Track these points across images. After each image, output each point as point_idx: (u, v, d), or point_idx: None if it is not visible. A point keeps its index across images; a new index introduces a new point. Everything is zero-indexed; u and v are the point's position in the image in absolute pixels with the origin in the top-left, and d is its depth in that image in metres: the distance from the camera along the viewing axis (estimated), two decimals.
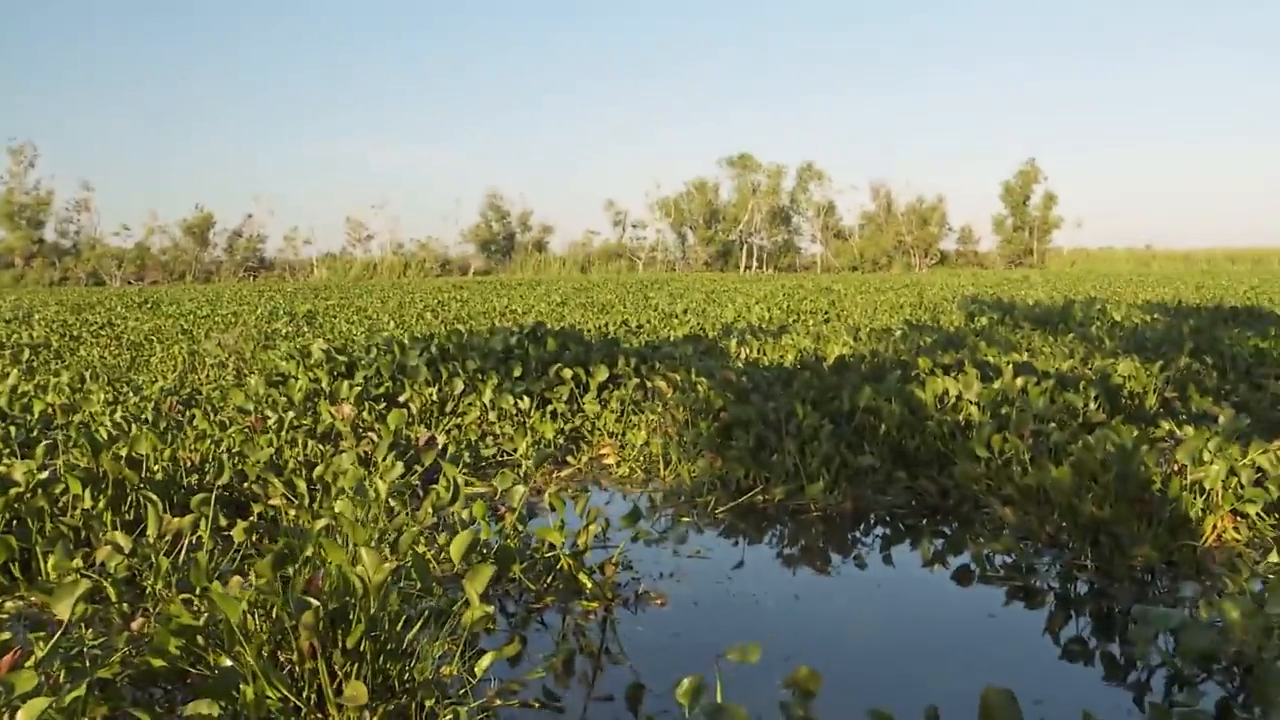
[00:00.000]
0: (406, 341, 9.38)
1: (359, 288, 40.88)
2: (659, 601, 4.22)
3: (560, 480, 6.49)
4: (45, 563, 4.30)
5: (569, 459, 7.02)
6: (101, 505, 4.76)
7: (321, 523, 3.64)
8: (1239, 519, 4.95)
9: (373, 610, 3.10)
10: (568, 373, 8.38)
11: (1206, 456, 4.96)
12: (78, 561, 4.21)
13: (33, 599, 4.16)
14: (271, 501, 5.16)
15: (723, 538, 5.29)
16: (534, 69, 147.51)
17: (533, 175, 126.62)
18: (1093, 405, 7.06)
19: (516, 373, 8.41)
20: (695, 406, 7.07)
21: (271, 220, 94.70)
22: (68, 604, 3.02)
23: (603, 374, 8.42)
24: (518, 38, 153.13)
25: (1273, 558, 4.42)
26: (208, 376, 10.46)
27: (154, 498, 4.41)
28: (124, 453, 5.15)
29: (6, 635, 2.68)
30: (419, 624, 3.27)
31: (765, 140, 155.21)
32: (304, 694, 3.00)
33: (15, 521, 4.53)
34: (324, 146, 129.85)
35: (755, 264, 75.05)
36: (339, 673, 2.98)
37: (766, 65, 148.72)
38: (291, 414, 6.41)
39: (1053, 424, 6.36)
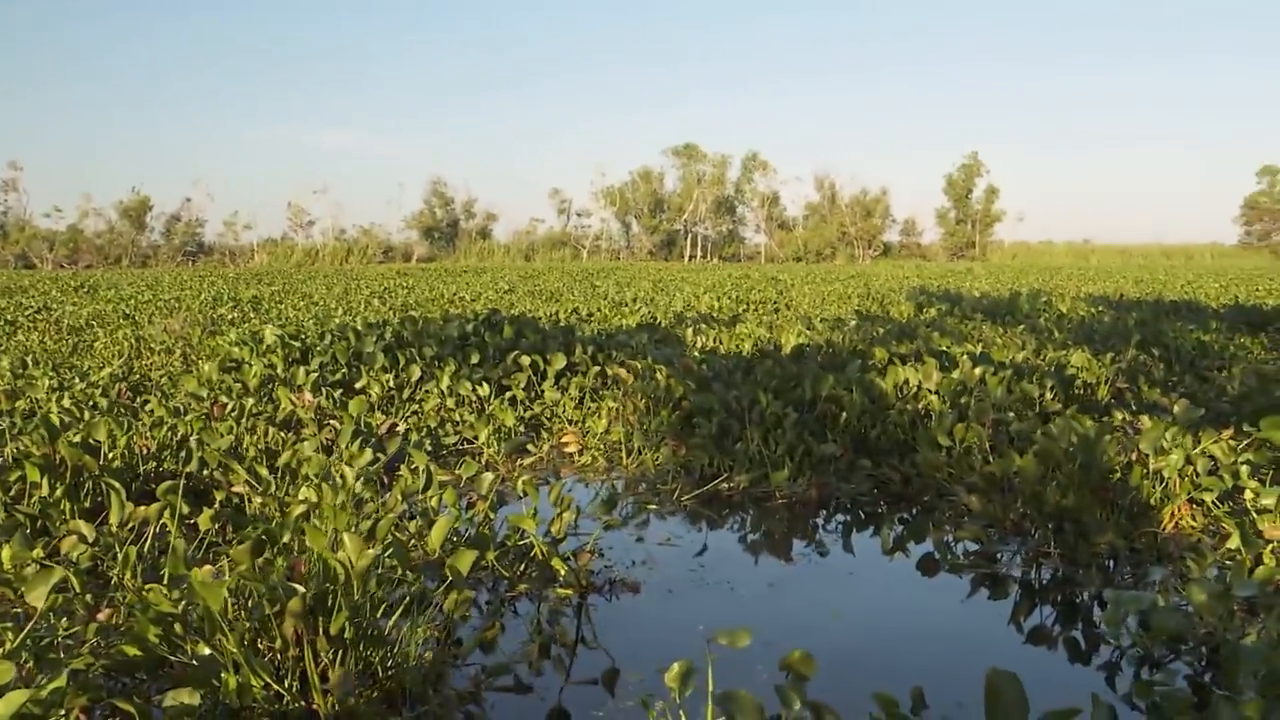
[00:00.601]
0: (360, 327, 9.26)
1: (301, 274, 40.20)
2: (633, 589, 4.22)
3: (523, 468, 6.47)
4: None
5: (529, 447, 6.99)
6: (59, 494, 4.64)
7: (297, 509, 3.58)
8: (1194, 507, 5.09)
9: (356, 596, 3.06)
10: (525, 360, 8.33)
11: (1164, 446, 5.09)
12: (38, 551, 4.10)
13: None
14: (235, 489, 5.07)
15: (690, 525, 5.31)
16: (479, 55, 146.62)
17: (477, 162, 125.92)
18: (1049, 395, 7.21)
19: (474, 360, 8.35)
20: (656, 394, 7.08)
21: (211, 204, 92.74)
22: (41, 592, 2.94)
23: (560, 362, 8.39)
24: (463, 23, 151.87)
25: (1231, 543, 4.55)
26: (156, 362, 10.24)
27: (116, 485, 4.30)
28: (78, 440, 5.03)
29: None
30: (400, 609, 3.24)
31: (711, 130, 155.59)
32: (286, 682, 2.96)
33: None
34: (265, 130, 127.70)
35: (700, 254, 75.26)
36: (324, 659, 2.94)
37: (713, 54, 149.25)
38: (251, 401, 6.29)
39: (1011, 413, 6.48)
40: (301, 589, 2.85)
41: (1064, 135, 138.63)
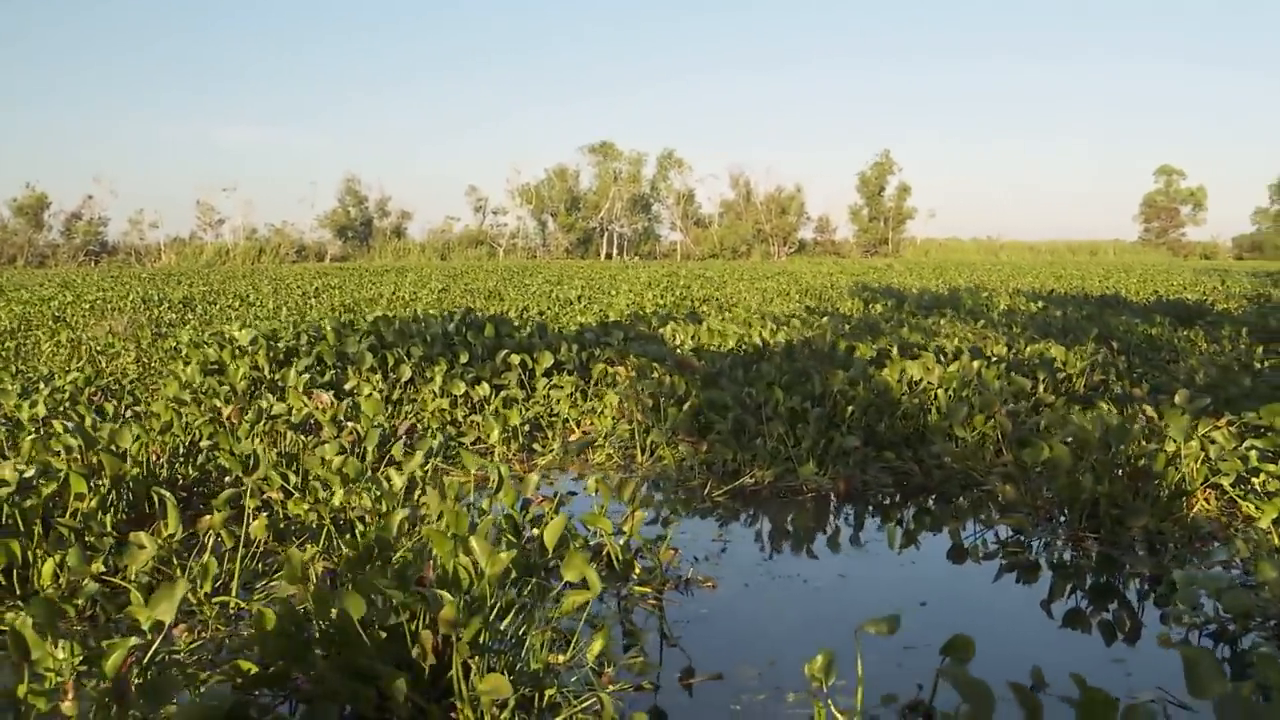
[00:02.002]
0: (334, 327, 9.05)
1: (217, 274, 39.03)
2: (709, 584, 4.24)
3: (541, 468, 6.41)
4: (40, 568, 4.00)
5: (535, 446, 6.95)
6: (94, 504, 4.45)
7: (398, 516, 3.50)
8: (1210, 490, 5.32)
9: (489, 602, 3.01)
10: (516, 358, 8.26)
11: (1175, 433, 5.30)
12: (97, 565, 3.93)
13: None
14: (268, 495, 4.93)
15: (731, 520, 5.34)
16: (392, 50, 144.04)
17: (391, 159, 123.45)
18: (1041, 388, 7.44)
19: (463, 359, 8.25)
20: (661, 391, 7.09)
21: (114, 202, 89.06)
22: (169, 606, 2.82)
23: (547, 360, 8.35)
24: (374, 18, 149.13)
25: (1262, 523, 4.78)
26: (113, 366, 9.86)
27: (167, 494, 4.15)
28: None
29: (133, 641, 2.48)
30: (523, 613, 3.20)
31: (627, 128, 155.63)
32: (426, 693, 2.90)
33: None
34: (171, 126, 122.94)
35: (616, 251, 75.35)
36: (471, 666, 2.88)
37: (628, 51, 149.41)
38: (264, 403, 6.11)
39: (1012, 404, 6.68)
40: (449, 596, 2.79)
41: (972, 133, 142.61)
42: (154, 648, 2.82)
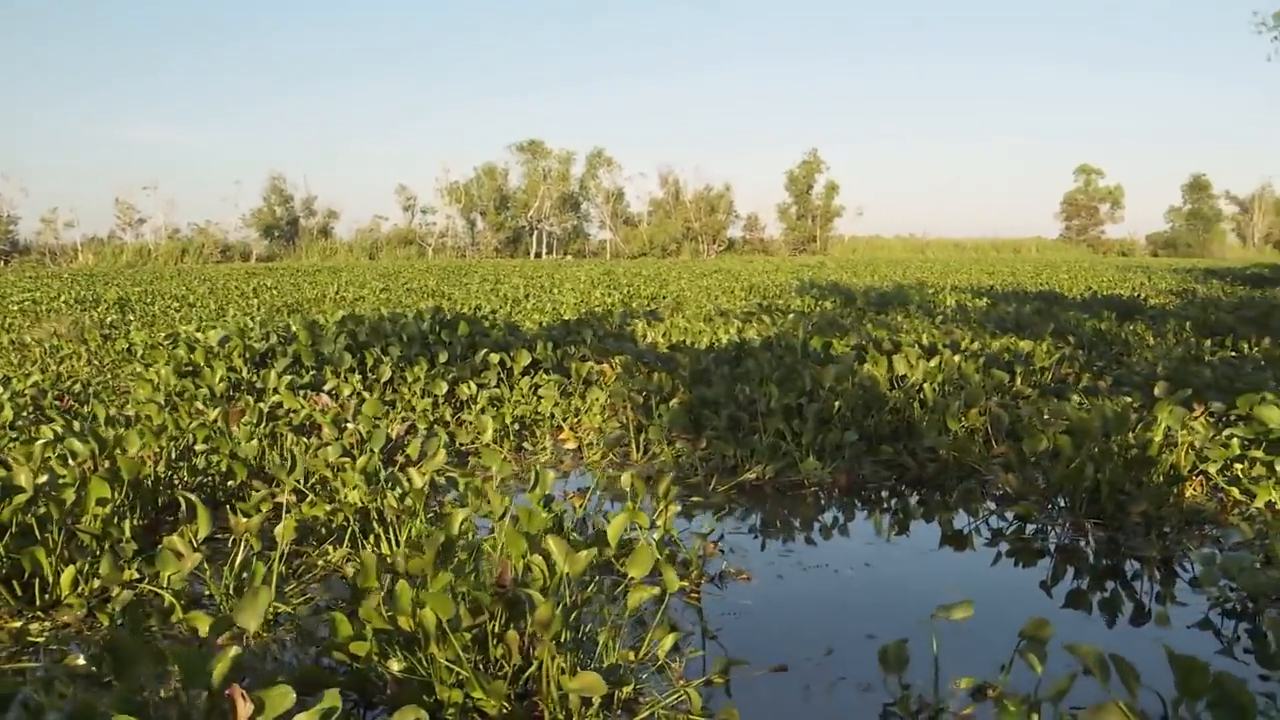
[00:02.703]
0: (301, 327, 8.90)
1: (136, 274, 37.94)
2: (744, 577, 4.29)
3: (541, 467, 6.39)
4: (59, 578, 3.89)
5: (525, 445, 6.94)
6: (108, 510, 4.33)
7: (459, 515, 3.49)
8: (1197, 476, 5.55)
9: (567, 601, 3.03)
10: (495, 357, 8.24)
11: (1171, 422, 5.51)
12: (130, 573, 3.84)
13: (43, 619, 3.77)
14: (279, 499, 4.85)
15: (746, 515, 5.40)
16: (316, 47, 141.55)
17: (318, 158, 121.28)
18: (1018, 380, 7.65)
19: (443, 359, 8.19)
20: (650, 389, 7.14)
21: (26, 200, 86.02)
22: (254, 614, 2.78)
23: (525, 359, 8.34)
24: (300, 15, 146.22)
25: (1258, 503, 5.01)
26: (67, 369, 9.56)
27: (193, 498, 4.07)
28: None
29: (236, 650, 2.44)
30: (594, 610, 3.23)
31: (556, 127, 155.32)
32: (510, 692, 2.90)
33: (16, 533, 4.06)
34: (88, 123, 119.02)
35: (545, 250, 75.16)
36: (563, 664, 2.90)
37: (558, 50, 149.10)
38: (264, 405, 6.01)
39: (994, 397, 6.87)
40: (541, 597, 2.80)
41: (897, 132, 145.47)
42: (233, 654, 2.77)
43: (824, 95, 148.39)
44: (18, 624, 3.76)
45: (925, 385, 6.98)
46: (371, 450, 5.41)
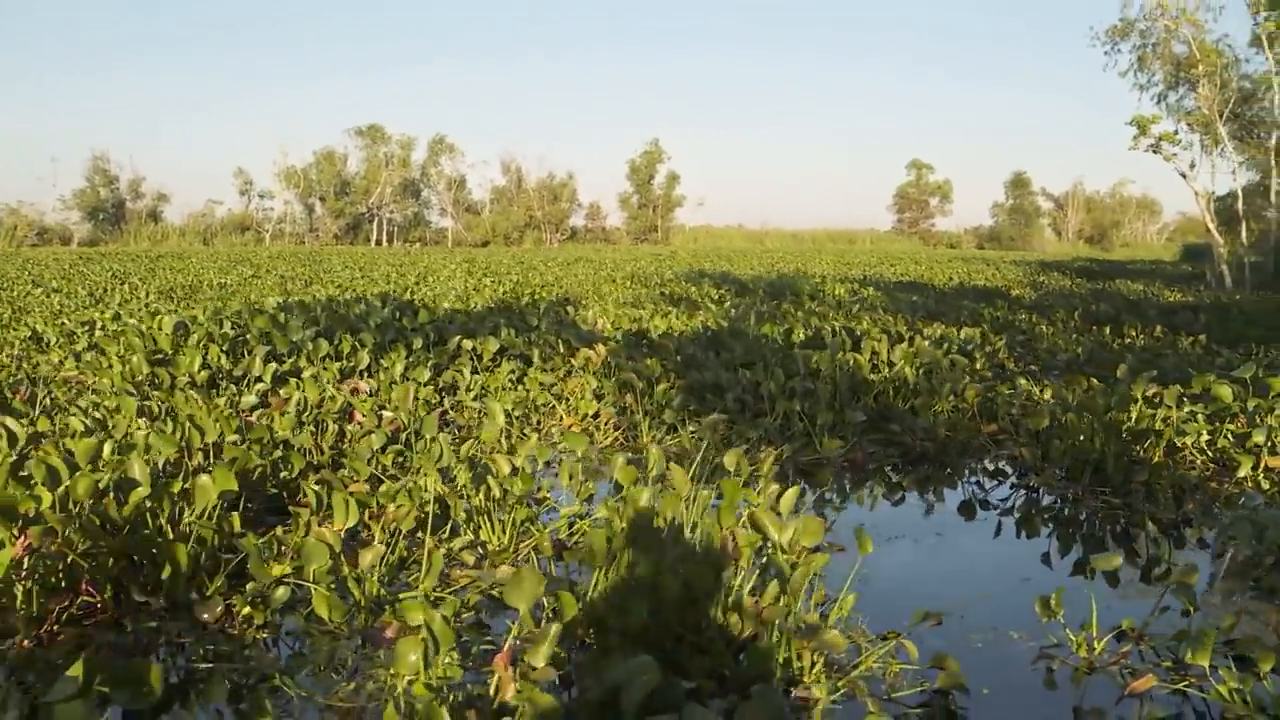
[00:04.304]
0: (268, 312, 8.70)
1: None
2: (838, 549, 4.61)
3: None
4: (210, 580, 3.80)
5: (526, 431, 7.06)
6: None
7: (644, 493, 3.67)
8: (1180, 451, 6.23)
9: (786, 569, 3.29)
10: (469, 344, 8.29)
11: (1169, 399, 6.15)
12: (282, 567, 3.81)
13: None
14: (352, 490, 4.85)
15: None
16: (139, 19, 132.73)
17: (147, 139, 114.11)
18: (980, 365, 8.28)
19: (417, 345, 8.19)
20: (645, 374, 7.37)
21: None
22: (523, 596, 2.87)
23: (493, 346, 8.43)
24: None
25: (1241, 472, 5.69)
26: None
27: (331, 487, 4.08)
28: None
29: (517, 631, 2.58)
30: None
31: (396, 112, 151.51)
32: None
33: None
34: None
35: (386, 238, 73.65)
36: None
37: (397, 33, 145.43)
38: (303, 395, 5.92)
39: (968, 380, 7.45)
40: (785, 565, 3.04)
41: (739, 123, 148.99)
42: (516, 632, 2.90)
43: (664, 84, 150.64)
44: (153, 623, 3.69)
45: (907, 369, 7.48)
46: (425, 436, 5.46)
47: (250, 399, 5.87)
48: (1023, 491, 5.78)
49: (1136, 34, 27.30)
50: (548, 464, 5.81)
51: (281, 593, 3.71)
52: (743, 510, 3.88)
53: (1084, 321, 12.68)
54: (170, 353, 7.46)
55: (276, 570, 3.79)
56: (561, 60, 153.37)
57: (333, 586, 3.76)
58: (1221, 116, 26.04)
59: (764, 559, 3.60)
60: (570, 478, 4.65)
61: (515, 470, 4.61)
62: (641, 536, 3.43)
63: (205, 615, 3.71)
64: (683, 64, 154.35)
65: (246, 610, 3.70)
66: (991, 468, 6.30)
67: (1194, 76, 26.04)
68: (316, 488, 4.13)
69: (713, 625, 3.16)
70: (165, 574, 3.71)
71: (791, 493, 4.34)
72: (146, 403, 6.32)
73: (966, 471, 6.23)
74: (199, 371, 7.09)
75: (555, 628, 2.71)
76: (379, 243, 71.10)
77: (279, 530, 4.36)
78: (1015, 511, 5.43)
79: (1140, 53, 27.34)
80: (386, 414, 5.85)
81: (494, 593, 3.79)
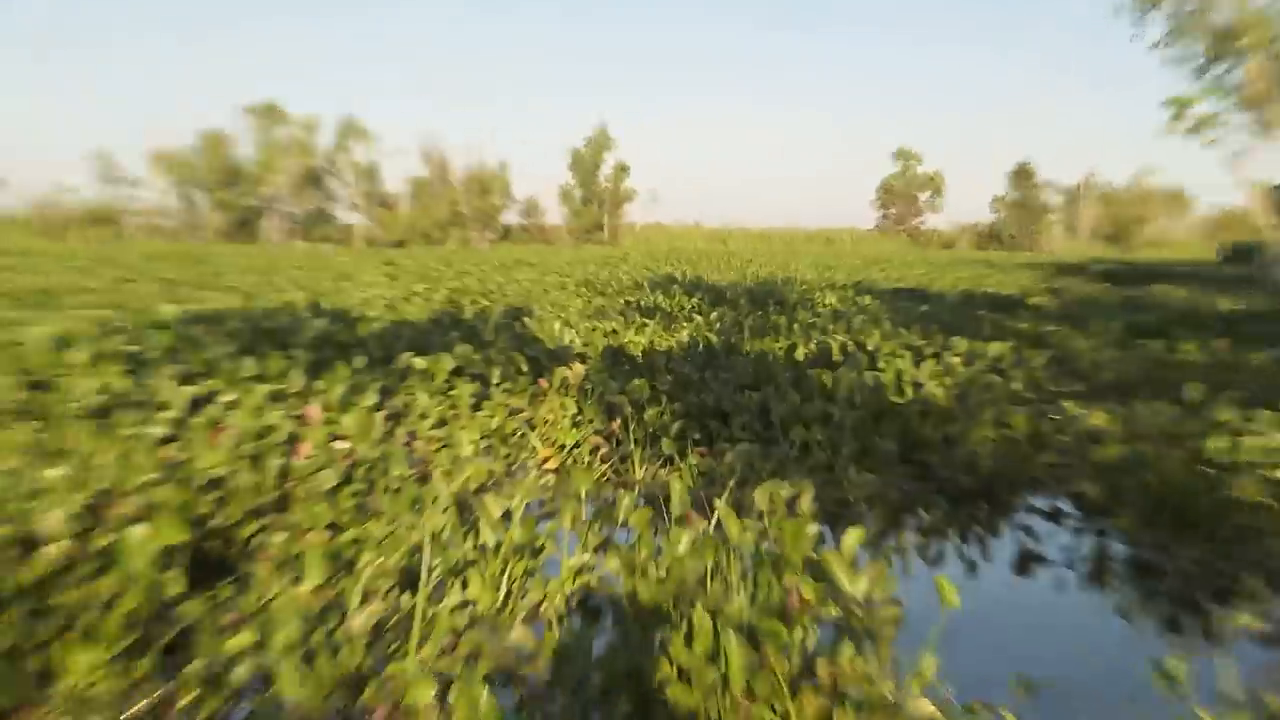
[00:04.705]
0: (168, 325, 8.48)
1: None
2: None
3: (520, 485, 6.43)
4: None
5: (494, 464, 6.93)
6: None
7: (688, 535, 3.58)
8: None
9: (860, 621, 3.22)
10: (419, 362, 8.15)
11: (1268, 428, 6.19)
12: (248, 637, 3.66)
13: None
14: (310, 538, 4.70)
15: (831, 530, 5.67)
16: None
17: None
18: (1017, 385, 8.33)
19: (360, 363, 8.03)
20: (634, 396, 7.29)
21: None
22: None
23: (448, 364, 8.30)
24: None
25: None
26: None
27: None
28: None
29: None
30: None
31: (298, 92, 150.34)
32: None
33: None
34: None
35: (283, 235, 72.99)
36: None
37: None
38: (250, 422, 5.75)
39: (1008, 405, 7.47)
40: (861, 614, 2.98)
41: (701, 116, 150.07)
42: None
43: (613, 62, 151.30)
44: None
45: (937, 391, 7.48)
46: (391, 472, 5.33)
47: (155, 430, 5.67)
48: (1090, 536, 5.77)
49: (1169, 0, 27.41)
50: (540, 503, 5.70)
51: (242, 671, 3.57)
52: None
53: (1126, 334, 12.84)
54: (49, 375, 7.21)
55: (234, 644, 3.64)
56: (479, 42, 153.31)
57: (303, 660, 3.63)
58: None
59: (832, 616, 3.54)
60: (573, 521, 4.54)
61: (508, 514, 4.50)
62: (687, 594, 3.36)
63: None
64: (629, 34, 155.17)
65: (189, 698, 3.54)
66: (1047, 507, 6.29)
67: (1240, 49, 26.08)
68: (277, 537, 3.97)
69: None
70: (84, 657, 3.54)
71: (855, 535, 4.28)
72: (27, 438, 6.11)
73: (1020, 512, 6.22)
74: (95, 396, 6.86)
75: None
76: (275, 241, 70.40)
77: (225, 590, 4.20)
78: (1085, 560, 5.42)
79: (1175, 22, 27.40)
80: (340, 446, 5.69)
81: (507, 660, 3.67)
